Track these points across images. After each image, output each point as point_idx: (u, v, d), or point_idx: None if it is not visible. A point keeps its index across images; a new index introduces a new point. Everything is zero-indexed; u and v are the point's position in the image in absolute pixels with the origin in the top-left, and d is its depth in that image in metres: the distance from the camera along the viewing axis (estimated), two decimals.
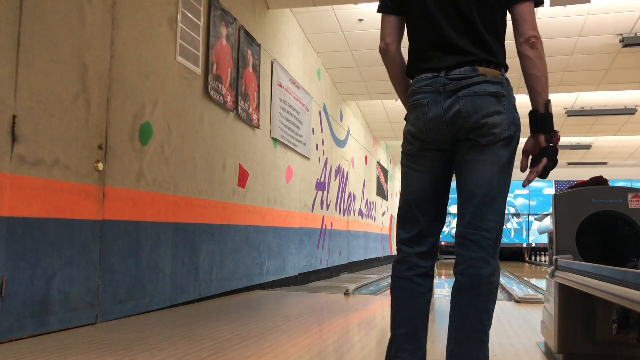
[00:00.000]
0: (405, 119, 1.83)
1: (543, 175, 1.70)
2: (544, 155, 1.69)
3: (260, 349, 2.63)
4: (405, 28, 1.84)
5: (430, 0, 1.73)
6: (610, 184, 2.65)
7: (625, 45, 7.08)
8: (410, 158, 1.80)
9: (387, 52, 1.83)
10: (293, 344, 2.81)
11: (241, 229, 5.19)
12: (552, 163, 1.71)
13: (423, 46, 1.76)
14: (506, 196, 1.72)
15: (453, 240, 1.81)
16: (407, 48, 1.83)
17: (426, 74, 1.73)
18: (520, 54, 1.69)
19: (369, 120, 12.07)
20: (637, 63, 7.83)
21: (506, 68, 1.75)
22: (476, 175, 1.68)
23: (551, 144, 1.70)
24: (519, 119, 1.72)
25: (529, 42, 1.66)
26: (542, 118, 1.70)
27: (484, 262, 1.63)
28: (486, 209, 1.66)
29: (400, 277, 1.75)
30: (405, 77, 1.87)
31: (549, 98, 1.70)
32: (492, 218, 1.66)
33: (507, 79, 1.72)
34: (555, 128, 1.73)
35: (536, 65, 1.67)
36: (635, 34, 6.97)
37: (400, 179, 1.88)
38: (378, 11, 1.85)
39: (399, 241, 1.80)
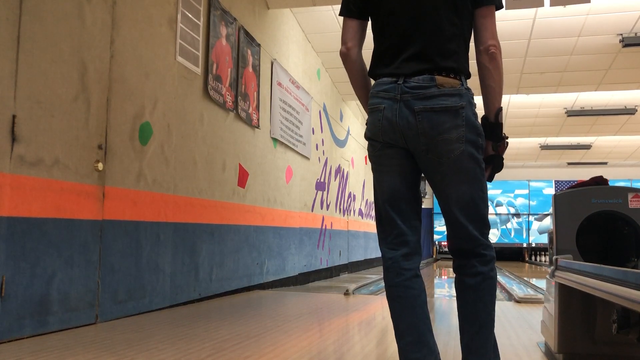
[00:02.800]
0: (366, 122, 1.83)
1: (488, 179, 1.77)
2: (489, 163, 1.75)
3: (260, 349, 2.63)
4: (372, 31, 1.83)
5: (396, 4, 1.71)
6: (610, 184, 2.65)
7: (625, 45, 7.08)
8: (375, 159, 1.80)
9: (348, 56, 1.83)
10: (293, 344, 2.81)
11: (241, 229, 5.19)
12: (497, 169, 1.78)
13: (385, 50, 1.75)
14: (486, 200, 1.74)
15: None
16: (372, 51, 1.83)
17: (386, 79, 1.72)
18: (479, 62, 1.70)
19: None
20: (637, 63, 7.83)
21: (467, 75, 1.73)
22: (447, 191, 1.70)
23: (496, 152, 1.75)
24: (480, 126, 1.72)
25: (488, 52, 1.67)
26: (491, 126, 1.73)
27: (483, 262, 1.70)
28: (469, 221, 1.69)
29: (392, 285, 1.74)
30: (367, 82, 1.87)
31: (501, 106, 1.73)
32: (478, 226, 1.70)
33: (467, 88, 1.71)
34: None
35: (492, 76, 1.69)
36: (635, 34, 6.97)
37: None
38: (340, 14, 1.84)
39: (381, 245, 1.79)
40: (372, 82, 1.84)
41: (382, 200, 1.77)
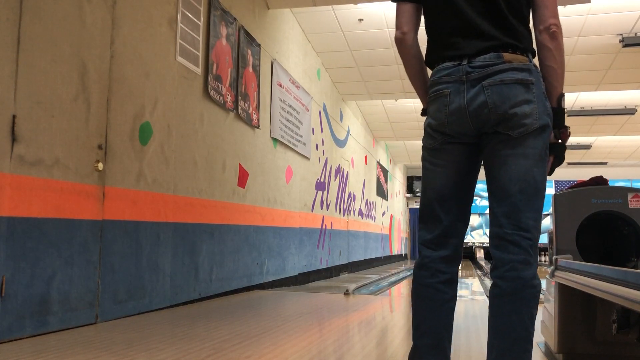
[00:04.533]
0: (423, 112, 1.73)
1: (549, 172, 1.63)
2: (551, 152, 1.61)
3: (260, 349, 2.63)
4: (423, 18, 1.73)
5: None
6: (610, 184, 2.65)
7: (625, 45, 7.08)
8: (431, 152, 1.67)
9: (404, 41, 1.70)
10: (293, 344, 2.81)
11: (241, 229, 5.19)
12: (559, 160, 1.64)
13: (443, 33, 1.64)
14: (544, 191, 1.59)
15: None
16: (426, 39, 1.72)
17: (447, 63, 1.61)
18: (539, 42, 1.59)
19: (369, 120, 12.07)
20: (637, 63, 7.83)
21: (533, 54, 1.62)
22: (509, 172, 1.55)
23: (560, 141, 1.62)
24: (550, 107, 1.60)
25: (549, 30, 1.56)
26: (554, 113, 1.60)
27: (525, 264, 1.51)
28: (523, 206, 1.53)
29: (423, 284, 1.64)
30: (423, 70, 1.76)
31: (563, 92, 1.61)
32: (530, 216, 1.53)
33: (535, 66, 1.60)
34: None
35: (554, 56, 1.57)
36: (635, 34, 6.97)
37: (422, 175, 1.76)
38: (394, 0, 1.73)
39: (421, 243, 1.68)
40: (429, 71, 1.74)
41: (431, 196, 1.67)
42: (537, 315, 1.56)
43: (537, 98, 1.55)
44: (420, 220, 1.71)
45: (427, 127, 1.68)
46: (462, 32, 1.60)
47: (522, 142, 1.54)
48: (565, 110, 1.64)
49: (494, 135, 1.58)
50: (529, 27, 1.64)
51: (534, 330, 1.51)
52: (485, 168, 1.65)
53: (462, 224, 1.68)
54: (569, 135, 1.65)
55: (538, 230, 1.56)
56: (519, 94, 1.53)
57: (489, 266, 14.81)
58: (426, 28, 1.72)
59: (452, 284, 1.64)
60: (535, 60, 1.64)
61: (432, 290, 1.62)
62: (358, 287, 6.16)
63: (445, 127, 1.61)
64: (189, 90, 4.27)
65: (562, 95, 1.62)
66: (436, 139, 1.65)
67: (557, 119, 1.61)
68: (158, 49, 3.86)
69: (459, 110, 1.58)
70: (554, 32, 1.57)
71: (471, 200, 1.71)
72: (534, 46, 1.62)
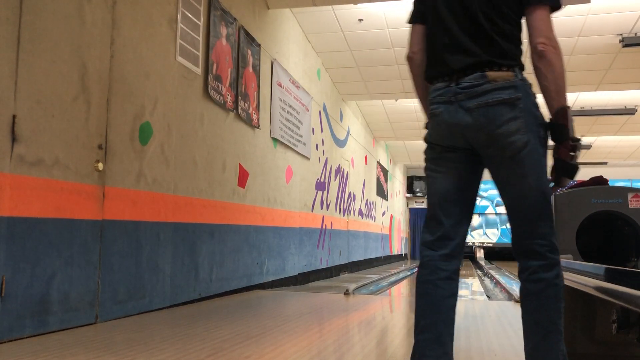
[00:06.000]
0: (425, 125, 1.85)
1: (556, 182, 1.68)
2: (554, 165, 1.67)
3: (260, 349, 2.63)
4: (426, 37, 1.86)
5: (442, 6, 1.74)
6: (610, 184, 2.65)
7: (625, 45, 7.08)
8: (433, 162, 1.79)
9: (413, 60, 1.86)
10: (293, 344, 2.81)
11: (241, 229, 5.19)
12: (562, 173, 1.66)
13: (435, 50, 1.77)
14: (550, 194, 1.67)
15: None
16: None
17: (439, 84, 1.73)
18: (532, 62, 1.66)
19: (369, 120, 12.07)
20: (637, 63, 7.83)
21: (521, 68, 1.69)
22: (515, 191, 1.66)
23: (556, 155, 1.65)
24: (541, 116, 1.66)
25: (536, 50, 1.63)
26: (551, 127, 1.66)
27: (546, 267, 1.64)
28: (535, 218, 1.64)
29: (423, 281, 1.72)
30: (428, 87, 1.86)
31: (564, 105, 1.63)
32: (543, 225, 1.64)
33: (522, 79, 1.66)
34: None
35: (544, 75, 1.62)
36: (635, 34, 6.97)
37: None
38: (408, 22, 1.88)
39: (422, 244, 1.78)
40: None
41: (433, 201, 1.77)
42: None
43: (525, 112, 1.61)
44: (424, 224, 1.83)
45: (427, 140, 1.82)
46: (449, 49, 1.71)
47: (518, 161, 1.62)
48: (568, 125, 1.62)
49: (489, 154, 1.68)
50: (516, 42, 1.70)
51: (562, 320, 1.64)
52: (494, 183, 1.73)
53: (463, 225, 1.77)
54: (571, 150, 1.64)
55: (553, 232, 1.67)
56: (504, 113, 1.61)
57: (489, 266, 14.82)
58: (426, 46, 1.84)
59: (451, 281, 1.72)
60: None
61: (431, 287, 1.70)
62: (358, 287, 6.17)
63: (442, 141, 1.74)
64: (189, 90, 4.27)
65: (562, 109, 1.62)
66: (435, 150, 1.78)
67: (553, 134, 1.66)
68: (158, 49, 3.86)
69: (450, 129, 1.70)
70: (541, 51, 1.62)
71: (474, 203, 1.79)
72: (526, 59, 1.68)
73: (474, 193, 1.78)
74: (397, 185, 17.45)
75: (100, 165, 3.22)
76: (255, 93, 5.59)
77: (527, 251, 1.66)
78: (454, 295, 1.72)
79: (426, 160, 1.83)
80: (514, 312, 4.07)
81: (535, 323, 1.63)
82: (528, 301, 1.66)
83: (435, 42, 1.78)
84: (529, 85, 1.67)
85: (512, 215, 1.69)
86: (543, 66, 1.62)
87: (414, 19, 1.87)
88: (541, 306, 1.62)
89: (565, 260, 2.32)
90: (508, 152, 1.62)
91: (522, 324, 1.68)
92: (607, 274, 1.65)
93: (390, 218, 15.69)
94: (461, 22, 1.71)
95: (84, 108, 3.12)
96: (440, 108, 1.71)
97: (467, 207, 1.77)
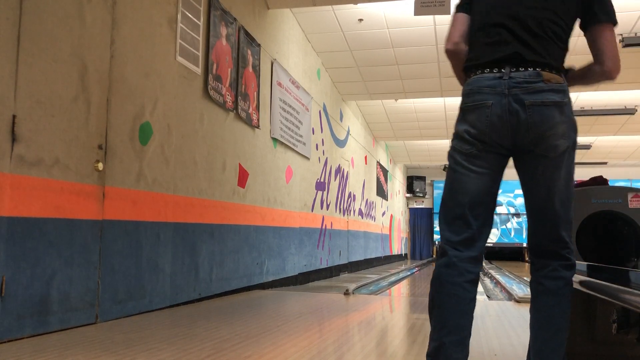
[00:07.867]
0: (460, 117, 1.77)
1: None
2: None
3: (260, 349, 2.63)
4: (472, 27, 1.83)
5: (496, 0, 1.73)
6: (610, 184, 2.65)
7: (625, 46, 7.07)
8: (467, 158, 1.72)
9: (457, 52, 1.81)
10: (293, 344, 2.81)
11: (241, 229, 5.19)
12: None
13: (485, 39, 1.74)
14: (573, 200, 1.74)
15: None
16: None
17: (488, 74, 1.69)
18: (594, 71, 1.77)
19: (369, 120, 12.07)
20: (637, 63, 7.83)
21: (566, 73, 1.74)
22: (550, 193, 1.68)
23: None
24: (575, 122, 1.73)
25: (608, 75, 1.74)
26: None
27: (565, 267, 1.69)
28: (561, 222, 1.69)
29: (451, 282, 1.69)
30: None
31: None
32: (566, 227, 1.70)
33: (567, 85, 1.72)
34: None
35: (601, 81, 1.78)
36: (635, 34, 6.97)
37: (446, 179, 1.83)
38: (457, 11, 1.84)
39: (446, 243, 1.74)
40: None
41: (462, 200, 1.72)
42: None
43: (569, 117, 1.67)
44: (447, 222, 1.76)
45: (465, 134, 1.72)
46: (506, 42, 1.68)
47: (559, 164, 1.66)
48: None
49: (530, 154, 1.68)
50: (567, 49, 1.74)
51: (569, 324, 1.70)
52: (523, 183, 1.75)
53: (488, 228, 1.77)
54: None
55: (571, 235, 1.73)
56: (556, 115, 1.64)
57: (489, 266, 14.77)
58: (470, 35, 1.80)
59: (476, 283, 1.73)
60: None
61: (460, 289, 1.69)
62: (358, 287, 6.17)
63: (485, 136, 1.69)
64: (189, 90, 4.27)
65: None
66: (474, 145, 1.71)
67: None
68: (158, 49, 3.86)
69: (501, 124, 1.66)
70: (611, 75, 1.75)
71: (495, 206, 1.80)
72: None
73: (497, 197, 1.79)
74: (397, 185, 17.45)
75: (100, 165, 3.22)
76: (255, 93, 5.59)
77: (549, 251, 1.70)
78: (475, 298, 1.73)
79: (457, 154, 1.75)
80: (514, 312, 4.07)
81: (548, 320, 1.66)
82: (545, 298, 1.69)
83: (482, 34, 1.74)
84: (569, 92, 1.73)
85: (537, 215, 1.72)
86: (605, 81, 1.76)
87: (463, 8, 1.82)
88: (558, 303, 1.66)
89: None
90: (551, 154, 1.65)
91: (530, 321, 1.71)
92: (607, 274, 1.66)
93: (390, 218, 15.69)
94: (515, 18, 1.69)
95: (84, 108, 3.12)
96: (491, 100, 1.66)
97: (491, 210, 1.77)
